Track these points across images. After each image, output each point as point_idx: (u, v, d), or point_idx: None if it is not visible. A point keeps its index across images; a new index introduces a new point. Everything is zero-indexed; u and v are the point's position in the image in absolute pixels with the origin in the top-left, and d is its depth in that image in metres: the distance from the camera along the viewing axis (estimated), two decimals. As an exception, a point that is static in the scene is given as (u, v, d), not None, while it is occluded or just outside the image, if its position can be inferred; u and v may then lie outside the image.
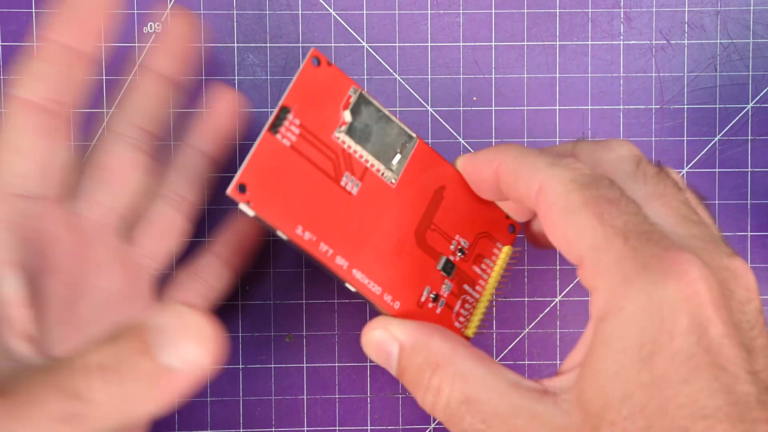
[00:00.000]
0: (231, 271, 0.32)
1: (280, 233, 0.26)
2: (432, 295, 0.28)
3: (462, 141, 0.36)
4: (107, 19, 0.27)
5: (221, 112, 0.31)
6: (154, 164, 0.29)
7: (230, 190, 0.25)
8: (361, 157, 0.27)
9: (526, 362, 0.37)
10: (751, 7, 0.36)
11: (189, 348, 0.20)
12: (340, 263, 0.26)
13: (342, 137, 0.27)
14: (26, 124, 0.25)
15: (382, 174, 0.28)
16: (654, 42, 0.36)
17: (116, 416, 0.20)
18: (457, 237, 0.29)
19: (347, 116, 0.27)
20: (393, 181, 0.28)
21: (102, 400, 0.20)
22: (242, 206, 0.25)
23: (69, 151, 0.27)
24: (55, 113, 0.26)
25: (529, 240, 0.31)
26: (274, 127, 0.26)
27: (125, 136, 0.28)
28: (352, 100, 0.28)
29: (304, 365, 0.36)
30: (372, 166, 0.28)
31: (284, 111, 0.26)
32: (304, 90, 0.27)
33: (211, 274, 0.31)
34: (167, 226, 0.29)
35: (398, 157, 0.28)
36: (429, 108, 0.36)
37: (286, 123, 0.26)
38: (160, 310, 0.21)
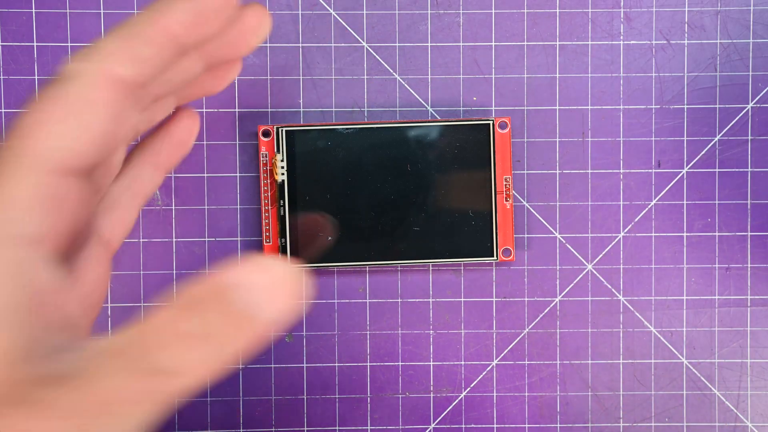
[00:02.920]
0: (162, 175, 0.29)
1: None
2: None
3: (462, 141, 0.36)
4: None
5: (180, 136, 0.29)
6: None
7: None
8: None
9: (526, 362, 0.37)
10: (751, 7, 0.36)
11: (285, 301, 0.20)
12: None
13: None
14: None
15: None
16: (654, 42, 0.36)
17: (204, 373, 0.20)
18: None
19: None
20: None
21: (189, 366, 0.19)
22: None
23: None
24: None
25: None
26: None
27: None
28: None
29: (304, 365, 0.36)
30: None
31: None
32: None
33: (144, 183, 0.29)
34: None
35: None
36: (429, 108, 0.36)
37: None
38: (243, 267, 0.20)
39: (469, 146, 0.35)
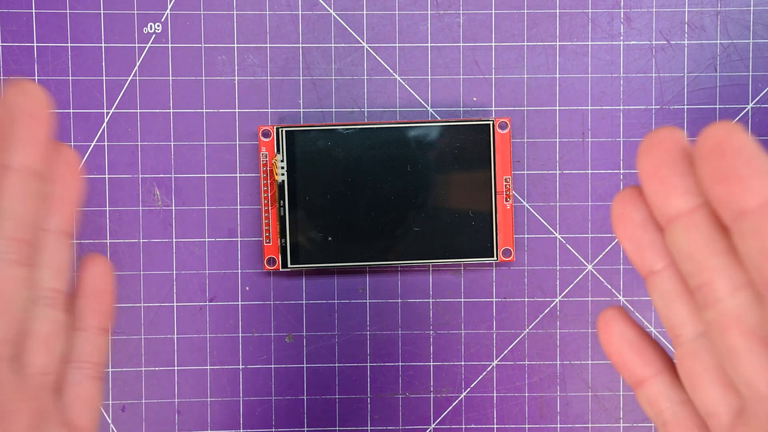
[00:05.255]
0: (103, 334, 0.26)
1: None
2: None
3: (462, 141, 0.36)
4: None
5: (95, 286, 0.26)
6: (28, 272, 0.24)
7: None
8: None
9: (526, 362, 0.37)
10: (751, 7, 0.36)
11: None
12: None
13: None
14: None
15: None
16: (654, 42, 0.36)
17: None
18: None
19: None
20: None
21: None
22: None
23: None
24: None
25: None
26: None
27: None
28: None
29: (304, 365, 0.36)
30: None
31: None
32: None
33: (87, 351, 0.26)
34: (52, 330, 0.24)
35: None
36: (429, 108, 0.36)
37: None
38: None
39: (469, 146, 0.35)
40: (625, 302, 0.36)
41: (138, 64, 0.36)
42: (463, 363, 0.37)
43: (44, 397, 0.23)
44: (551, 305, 0.37)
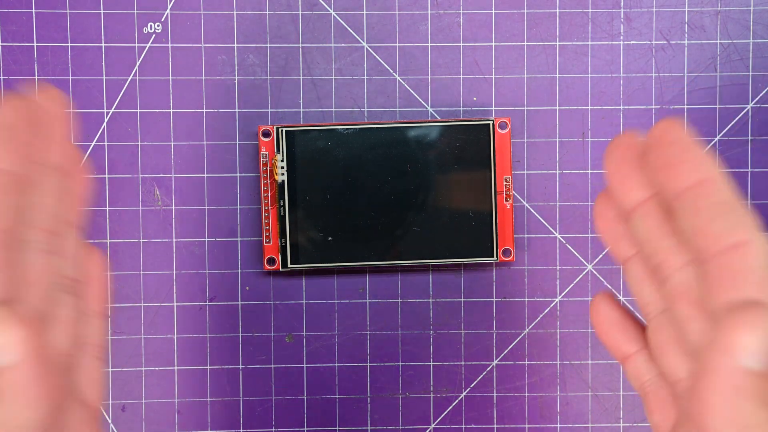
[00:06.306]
0: (100, 318, 0.28)
1: None
2: None
3: (462, 141, 0.36)
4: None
5: (94, 272, 0.27)
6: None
7: None
8: None
9: (526, 362, 0.37)
10: (751, 7, 0.36)
11: None
12: None
13: None
14: None
15: None
16: (654, 42, 0.36)
17: None
18: None
19: None
20: None
21: None
22: None
23: None
24: None
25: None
26: None
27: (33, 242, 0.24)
28: None
29: (304, 365, 0.36)
30: None
31: None
32: None
33: (91, 335, 0.28)
34: (72, 315, 0.26)
35: None
36: (429, 108, 0.36)
37: None
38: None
39: (469, 146, 0.35)
40: (625, 302, 0.36)
41: (138, 64, 0.36)
42: (463, 363, 0.37)
43: (66, 376, 0.25)
44: (551, 305, 0.37)
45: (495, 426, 0.37)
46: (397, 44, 0.36)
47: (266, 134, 0.35)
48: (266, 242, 0.35)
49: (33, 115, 0.23)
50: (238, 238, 0.36)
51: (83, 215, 0.26)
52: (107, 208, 0.36)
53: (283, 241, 0.35)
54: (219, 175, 0.36)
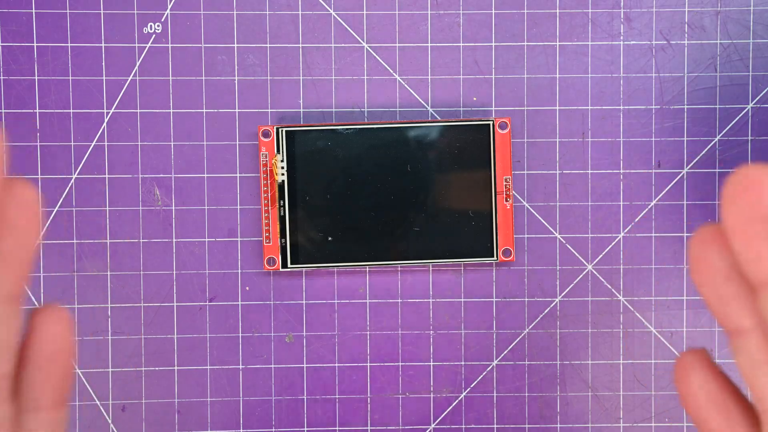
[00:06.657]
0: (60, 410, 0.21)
1: None
2: None
3: (462, 141, 0.36)
4: None
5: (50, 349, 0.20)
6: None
7: None
8: None
9: (526, 362, 0.37)
10: (751, 7, 0.36)
11: None
12: None
13: None
14: None
15: None
16: (654, 42, 0.36)
17: None
18: None
19: None
20: None
21: None
22: None
23: None
24: None
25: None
26: None
27: None
28: None
29: (304, 365, 0.36)
30: None
31: None
32: None
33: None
34: None
35: None
36: (429, 108, 0.36)
37: None
38: None
39: (469, 146, 0.35)
40: (625, 302, 0.36)
41: (138, 64, 0.36)
42: (463, 363, 0.37)
43: None
44: (551, 305, 0.37)
45: (495, 426, 0.37)
46: (397, 44, 0.36)
47: (266, 134, 0.35)
48: (266, 242, 0.35)
49: None
50: (238, 238, 0.36)
51: (25, 280, 0.19)
52: (107, 208, 0.36)
53: (283, 241, 0.35)
54: (219, 175, 0.36)
